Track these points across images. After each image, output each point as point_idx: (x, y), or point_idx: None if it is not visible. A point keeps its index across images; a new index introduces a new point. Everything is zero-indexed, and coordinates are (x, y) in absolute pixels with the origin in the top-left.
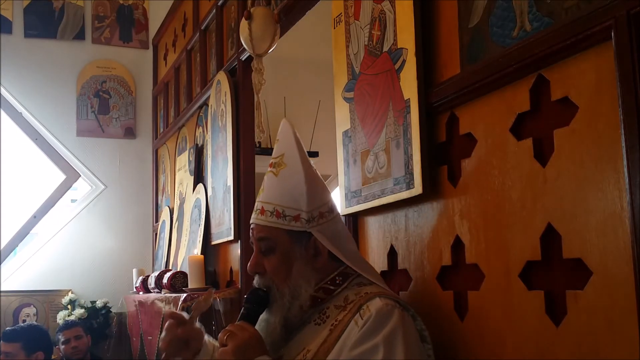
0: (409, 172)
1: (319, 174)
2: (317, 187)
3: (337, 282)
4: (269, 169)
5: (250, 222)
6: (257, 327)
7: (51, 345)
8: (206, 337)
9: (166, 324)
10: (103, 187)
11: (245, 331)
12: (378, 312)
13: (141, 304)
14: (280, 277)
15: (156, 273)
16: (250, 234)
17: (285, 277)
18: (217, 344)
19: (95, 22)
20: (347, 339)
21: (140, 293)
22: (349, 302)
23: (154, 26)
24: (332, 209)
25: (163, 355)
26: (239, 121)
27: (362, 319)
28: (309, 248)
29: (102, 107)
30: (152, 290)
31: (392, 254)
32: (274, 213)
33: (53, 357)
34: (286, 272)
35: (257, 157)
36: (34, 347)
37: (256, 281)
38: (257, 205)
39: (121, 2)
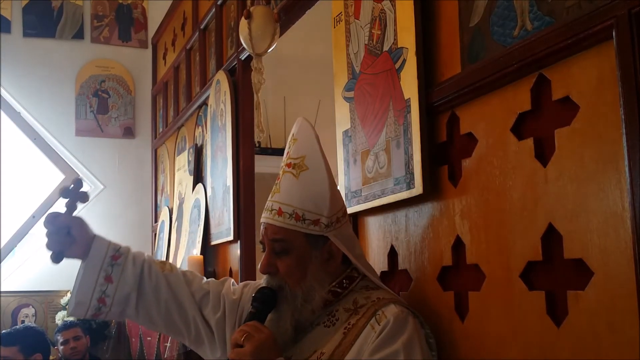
0: (410, 172)
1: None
2: (337, 193)
3: (345, 285)
4: (287, 169)
5: (264, 221)
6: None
7: (49, 346)
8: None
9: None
10: (102, 187)
11: (261, 332)
12: (396, 319)
13: None
14: (294, 279)
15: None
16: (263, 233)
17: (300, 279)
18: (118, 244)
19: (94, 22)
20: (364, 344)
21: None
22: (360, 306)
23: (153, 25)
24: (345, 213)
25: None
26: (238, 121)
27: (378, 324)
28: (324, 251)
29: (101, 106)
30: None
31: (392, 254)
32: (293, 216)
33: (51, 357)
34: (301, 274)
35: (256, 157)
36: (32, 349)
37: (267, 281)
38: (272, 205)
39: (120, 1)
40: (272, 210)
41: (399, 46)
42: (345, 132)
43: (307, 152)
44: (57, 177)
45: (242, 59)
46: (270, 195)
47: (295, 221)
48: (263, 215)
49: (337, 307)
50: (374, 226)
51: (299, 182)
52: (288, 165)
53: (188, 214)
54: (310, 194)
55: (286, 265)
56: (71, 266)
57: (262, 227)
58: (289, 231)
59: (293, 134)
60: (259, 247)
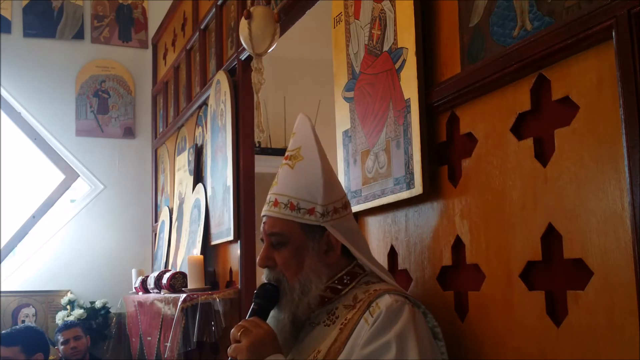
0: (409, 172)
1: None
2: (333, 182)
3: (345, 281)
4: (284, 161)
5: (262, 214)
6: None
7: (49, 345)
8: None
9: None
10: (102, 187)
11: (259, 328)
12: (388, 309)
13: (140, 304)
14: (291, 271)
15: (155, 273)
16: (262, 228)
17: (297, 270)
18: None
19: (94, 22)
20: (357, 338)
21: (140, 293)
22: (359, 301)
23: (153, 25)
24: (346, 205)
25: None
26: (238, 121)
27: (372, 316)
28: (322, 243)
29: (101, 106)
30: (151, 291)
31: (392, 254)
32: (288, 205)
33: (52, 357)
34: (297, 265)
35: (256, 157)
36: (33, 348)
37: (266, 275)
38: (270, 197)
39: (120, 1)
40: (269, 202)
41: (398, 46)
42: (345, 132)
43: (303, 143)
44: (57, 177)
45: (242, 59)
46: (270, 189)
47: (290, 211)
48: (263, 209)
49: (337, 305)
50: (374, 226)
51: (294, 171)
52: (286, 157)
53: (188, 214)
54: (304, 182)
55: (283, 257)
56: (71, 266)
57: (262, 221)
58: (285, 222)
59: (293, 130)
60: (259, 246)
